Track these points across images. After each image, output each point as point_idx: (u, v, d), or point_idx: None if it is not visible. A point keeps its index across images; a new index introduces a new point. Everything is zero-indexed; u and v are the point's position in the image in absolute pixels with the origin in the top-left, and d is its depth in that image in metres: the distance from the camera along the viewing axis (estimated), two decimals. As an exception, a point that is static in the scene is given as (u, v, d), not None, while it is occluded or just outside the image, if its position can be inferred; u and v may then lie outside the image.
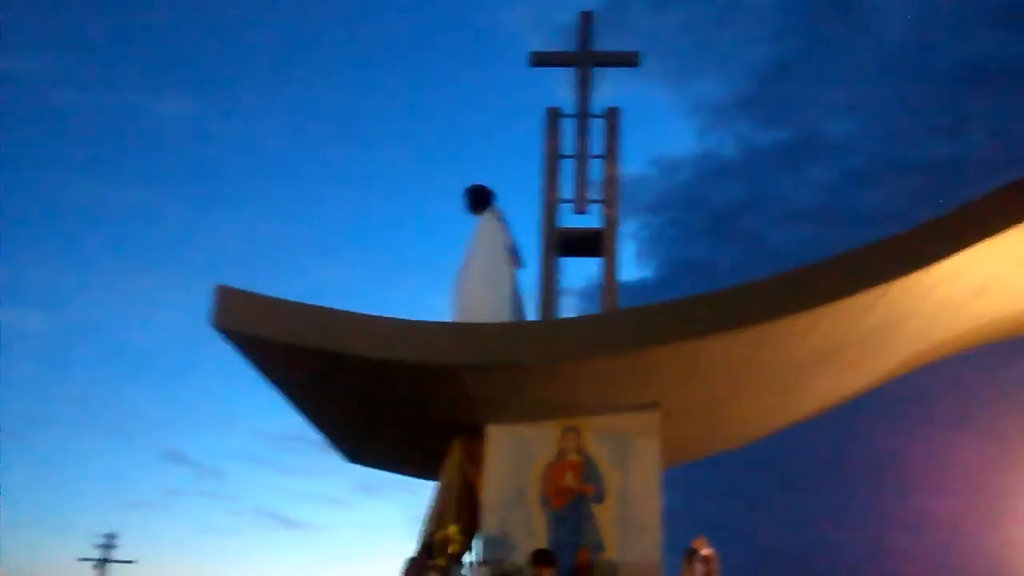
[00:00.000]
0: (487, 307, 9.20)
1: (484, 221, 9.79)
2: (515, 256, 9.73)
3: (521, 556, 7.95)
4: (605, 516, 8.30)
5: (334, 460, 11.46)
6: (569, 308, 12.79)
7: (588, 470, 8.46)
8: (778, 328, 7.61)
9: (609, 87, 13.30)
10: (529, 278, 10.29)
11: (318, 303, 8.11)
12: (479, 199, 9.91)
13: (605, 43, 13.40)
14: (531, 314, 9.87)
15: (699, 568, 7.70)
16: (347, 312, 8.06)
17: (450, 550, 8.18)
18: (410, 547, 8.40)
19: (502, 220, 9.87)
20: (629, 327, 7.85)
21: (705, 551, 7.88)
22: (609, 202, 12.33)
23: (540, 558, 7.57)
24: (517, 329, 8.46)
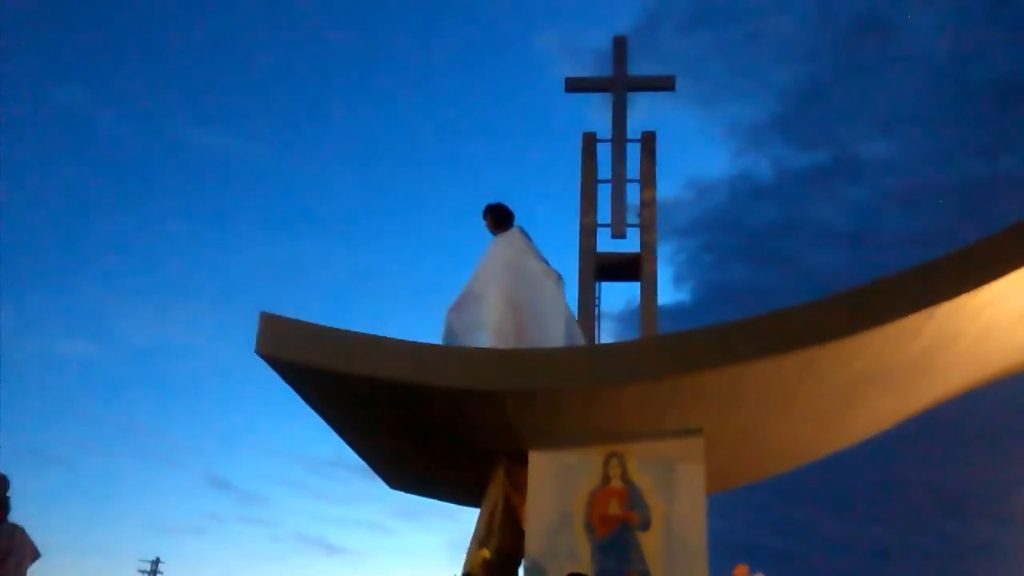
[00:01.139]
0: (538, 327, 8.87)
1: (510, 238, 9.35)
2: (557, 272, 9.29)
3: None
4: (651, 544, 8.20)
5: (374, 486, 11.49)
6: (607, 332, 12.73)
7: (632, 497, 8.37)
8: (824, 352, 7.51)
9: (642, 110, 13.34)
10: (568, 302, 10.10)
11: (360, 329, 8.17)
12: (503, 217, 9.50)
13: (637, 67, 13.48)
14: (580, 330, 9.62)
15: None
16: (389, 338, 8.08)
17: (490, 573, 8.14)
18: (453, 572, 8.36)
19: (529, 238, 9.45)
20: (673, 352, 7.79)
21: None
22: (647, 226, 12.34)
23: None
24: (558, 354, 8.42)
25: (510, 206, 9.63)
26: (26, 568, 5.66)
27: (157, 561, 41.57)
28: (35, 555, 5.73)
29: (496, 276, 9.15)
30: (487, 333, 8.91)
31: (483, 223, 9.62)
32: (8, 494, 5.88)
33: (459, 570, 8.43)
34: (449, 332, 9.06)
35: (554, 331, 8.89)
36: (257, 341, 8.08)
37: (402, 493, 11.76)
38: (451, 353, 8.37)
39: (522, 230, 9.49)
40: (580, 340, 9.30)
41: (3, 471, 6.09)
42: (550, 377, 7.91)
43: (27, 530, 6.00)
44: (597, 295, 12.29)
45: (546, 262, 9.31)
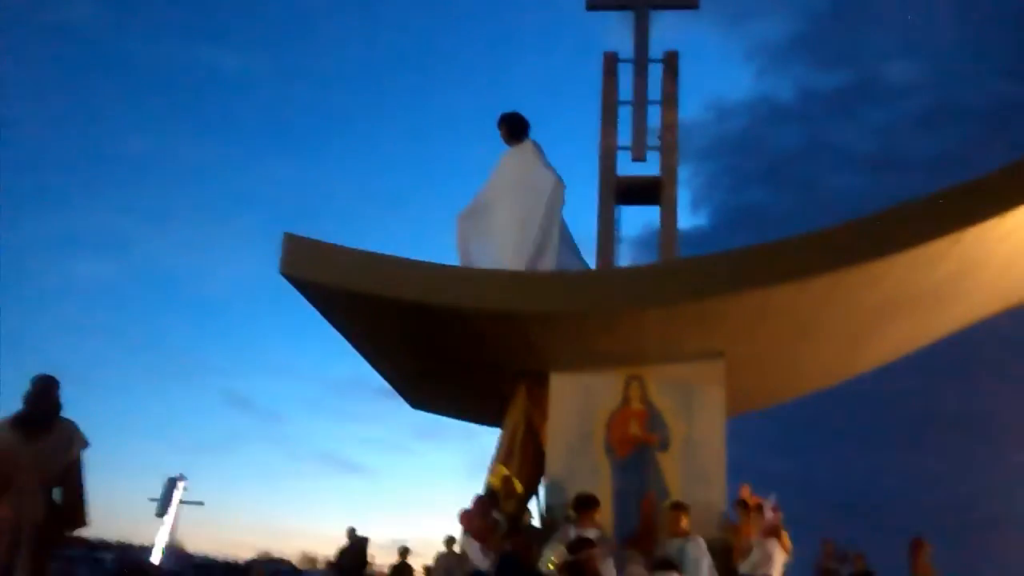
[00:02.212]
0: (540, 240, 8.96)
1: (522, 151, 9.41)
2: (559, 179, 9.28)
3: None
4: (670, 465, 8.33)
5: (394, 405, 11.67)
6: (625, 256, 12.68)
7: (652, 419, 8.47)
8: (848, 277, 7.48)
9: (664, 30, 12.99)
10: (587, 226, 10.10)
11: (382, 250, 8.20)
12: (518, 127, 9.51)
13: (658, -16, 13.07)
14: (582, 249, 9.73)
15: (766, 516, 7.66)
16: (411, 260, 8.11)
17: (509, 492, 8.29)
18: (471, 492, 8.53)
19: (541, 151, 9.49)
20: (695, 276, 7.78)
21: (757, 500, 7.83)
22: (668, 149, 12.12)
23: (584, 503, 7.48)
24: (582, 277, 8.44)
25: (525, 116, 9.64)
26: (77, 454, 6.14)
27: (180, 477, 42.59)
28: (84, 443, 6.22)
29: (506, 188, 9.27)
30: (494, 242, 9.05)
31: (498, 133, 9.64)
32: (58, 393, 6.16)
33: (480, 489, 8.60)
34: (460, 239, 9.23)
35: (556, 243, 9.01)
36: (281, 261, 8.13)
37: (422, 413, 11.94)
38: (472, 274, 8.40)
39: (535, 144, 9.51)
40: (576, 254, 9.43)
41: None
42: (571, 300, 7.94)
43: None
44: (617, 219, 12.20)
45: (554, 171, 9.33)
